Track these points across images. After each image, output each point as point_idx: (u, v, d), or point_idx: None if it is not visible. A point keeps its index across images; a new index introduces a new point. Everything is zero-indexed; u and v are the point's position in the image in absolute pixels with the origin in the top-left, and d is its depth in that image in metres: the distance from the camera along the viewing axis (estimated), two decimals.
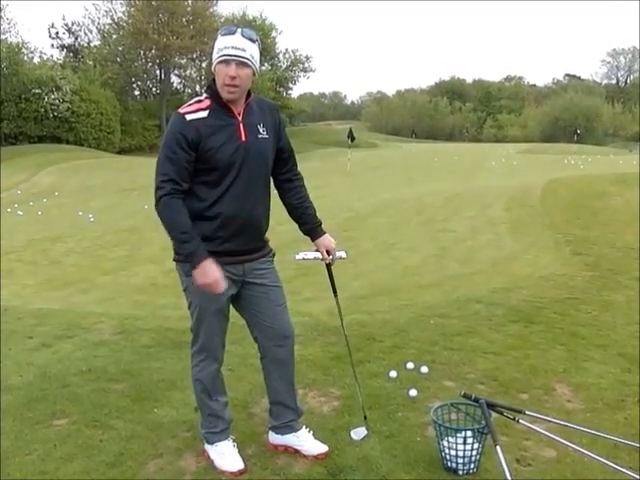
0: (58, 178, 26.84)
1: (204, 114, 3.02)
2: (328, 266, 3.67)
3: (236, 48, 2.95)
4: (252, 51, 3.01)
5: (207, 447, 3.39)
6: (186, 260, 3.03)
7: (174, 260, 3.22)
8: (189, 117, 3.00)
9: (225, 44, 2.95)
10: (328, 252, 3.56)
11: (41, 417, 3.88)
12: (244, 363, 4.58)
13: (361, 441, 3.50)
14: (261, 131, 3.17)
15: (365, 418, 3.67)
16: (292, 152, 3.41)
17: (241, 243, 3.16)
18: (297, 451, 3.44)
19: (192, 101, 3.10)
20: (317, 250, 3.55)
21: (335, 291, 3.69)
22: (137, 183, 24.09)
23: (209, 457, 3.36)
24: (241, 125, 3.10)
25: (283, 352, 3.43)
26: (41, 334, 5.57)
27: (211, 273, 2.98)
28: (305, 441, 3.45)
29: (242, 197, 3.11)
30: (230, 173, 3.06)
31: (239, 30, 2.99)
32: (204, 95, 3.11)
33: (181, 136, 2.96)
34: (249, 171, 3.11)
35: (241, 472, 3.23)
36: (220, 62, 2.97)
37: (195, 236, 2.98)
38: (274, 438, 3.50)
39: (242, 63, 2.96)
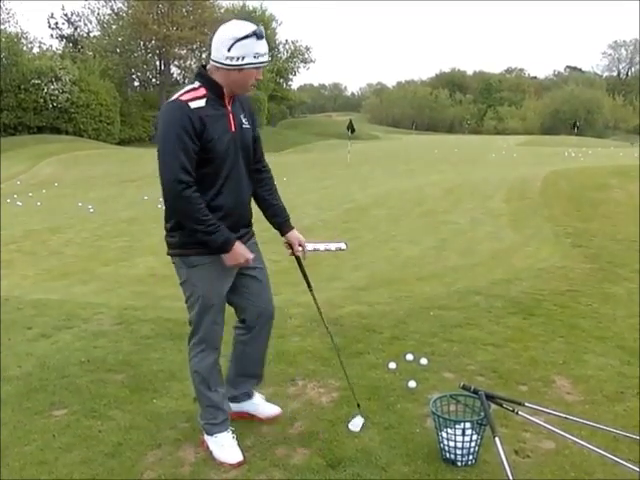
0: (58, 169, 26.81)
1: (202, 103, 2.98)
2: (299, 260, 3.65)
3: (266, 54, 3.04)
4: None
5: (207, 438, 3.39)
6: (220, 250, 3.06)
7: (170, 254, 3.23)
8: (192, 105, 2.94)
9: (260, 50, 2.98)
10: (300, 245, 3.55)
11: (40, 407, 3.88)
12: None
13: (360, 432, 3.50)
14: (244, 121, 3.21)
15: (358, 406, 3.68)
16: (261, 142, 3.42)
17: (237, 230, 3.20)
18: (252, 416, 3.64)
19: (187, 88, 3.04)
20: (287, 243, 3.55)
21: (309, 285, 3.70)
22: (137, 174, 24.08)
23: (208, 448, 3.35)
24: (230, 115, 3.12)
25: (266, 329, 3.53)
26: (40, 324, 5.57)
27: (243, 253, 3.12)
28: (260, 405, 3.67)
29: (238, 187, 3.17)
30: (226, 164, 3.08)
31: (262, 32, 3.00)
32: (197, 83, 3.04)
33: (189, 125, 2.90)
34: (240, 161, 3.16)
35: (240, 464, 3.23)
36: (256, 67, 3.01)
37: (220, 224, 3.01)
38: (233, 407, 3.58)
39: None
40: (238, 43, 2.92)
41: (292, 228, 3.53)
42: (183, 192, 2.91)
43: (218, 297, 3.24)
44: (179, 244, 3.15)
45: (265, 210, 3.49)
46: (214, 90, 3.03)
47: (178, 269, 3.25)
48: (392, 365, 4.37)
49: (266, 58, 3.03)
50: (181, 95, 2.99)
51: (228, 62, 2.95)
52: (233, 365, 3.60)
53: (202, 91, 3.01)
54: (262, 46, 2.99)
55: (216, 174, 3.06)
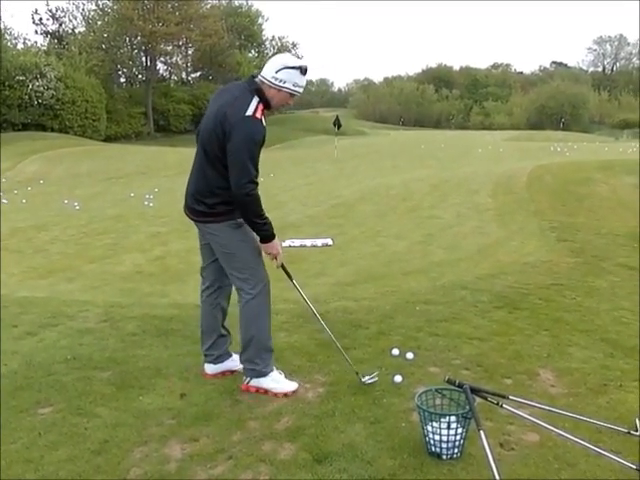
0: (43, 166, 26.62)
1: (264, 118, 3.72)
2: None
3: (302, 88, 3.84)
4: None
5: (259, 381, 3.96)
6: (267, 239, 3.80)
7: (217, 222, 3.83)
8: (263, 121, 3.69)
9: (299, 82, 3.77)
10: None
11: (26, 405, 3.87)
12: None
13: (346, 427, 3.52)
14: None
15: (357, 373, 4.07)
16: None
17: None
18: (233, 372, 4.22)
19: (255, 103, 3.67)
20: None
21: (289, 276, 4.14)
22: (123, 171, 23.98)
23: (259, 391, 3.95)
24: None
25: (230, 288, 4.19)
26: (26, 322, 5.54)
27: (278, 247, 3.90)
28: (238, 362, 4.18)
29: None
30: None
31: (307, 69, 3.77)
32: (257, 99, 3.70)
33: (261, 140, 3.65)
34: None
35: (294, 391, 3.96)
36: (291, 93, 3.78)
37: (269, 219, 3.77)
38: (213, 369, 4.21)
39: None
40: (285, 70, 3.69)
41: None
42: (253, 191, 3.61)
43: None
44: (225, 212, 3.79)
45: None
46: (267, 106, 3.76)
47: (222, 234, 3.85)
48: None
49: (301, 91, 3.81)
50: (255, 112, 3.64)
51: (273, 80, 3.69)
52: (210, 328, 4.18)
53: (262, 106, 3.71)
54: (302, 80, 3.78)
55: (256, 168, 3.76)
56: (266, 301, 3.96)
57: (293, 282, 4.08)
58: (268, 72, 3.70)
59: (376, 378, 4.06)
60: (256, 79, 3.77)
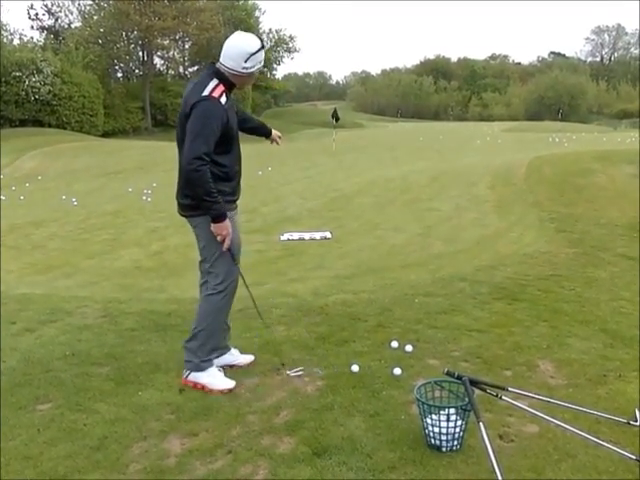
0: (41, 162, 26.53)
1: (225, 98, 3.77)
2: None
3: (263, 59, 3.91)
4: None
5: (197, 375, 3.99)
6: (216, 219, 3.76)
7: (195, 215, 3.88)
8: (222, 101, 3.74)
9: (263, 58, 3.86)
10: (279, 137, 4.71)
11: (24, 402, 3.86)
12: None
13: (345, 420, 3.51)
14: (233, 108, 4.00)
15: (283, 365, 4.23)
16: (241, 108, 4.36)
17: (238, 195, 4.10)
18: (232, 366, 4.26)
19: (213, 85, 3.74)
20: (272, 139, 4.66)
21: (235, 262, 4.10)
22: (121, 166, 23.92)
23: (196, 385, 3.96)
24: (233, 104, 3.96)
25: (233, 285, 4.13)
26: (24, 319, 5.53)
27: (228, 228, 3.82)
28: (237, 356, 4.33)
29: (239, 159, 4.07)
30: (235, 142, 3.94)
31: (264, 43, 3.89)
32: (216, 80, 3.78)
33: (220, 120, 3.69)
34: (238, 138, 4.01)
35: (233, 389, 3.95)
36: (257, 70, 3.87)
37: (221, 199, 3.74)
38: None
39: None
40: (252, 57, 3.77)
41: (271, 131, 4.62)
42: (200, 167, 3.61)
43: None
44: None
45: (253, 131, 4.50)
46: (229, 87, 3.84)
47: (201, 226, 3.89)
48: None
49: (263, 62, 3.92)
50: (212, 92, 3.71)
51: (244, 71, 3.80)
52: None
53: (222, 87, 3.78)
54: (263, 55, 3.86)
55: (229, 150, 3.89)
56: (229, 300, 4.05)
57: (237, 266, 4.03)
58: (236, 64, 3.77)
59: (300, 373, 4.12)
60: (217, 65, 3.85)
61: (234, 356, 4.32)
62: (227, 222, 3.81)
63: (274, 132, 4.64)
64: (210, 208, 3.72)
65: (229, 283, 3.98)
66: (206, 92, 3.71)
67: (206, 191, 3.66)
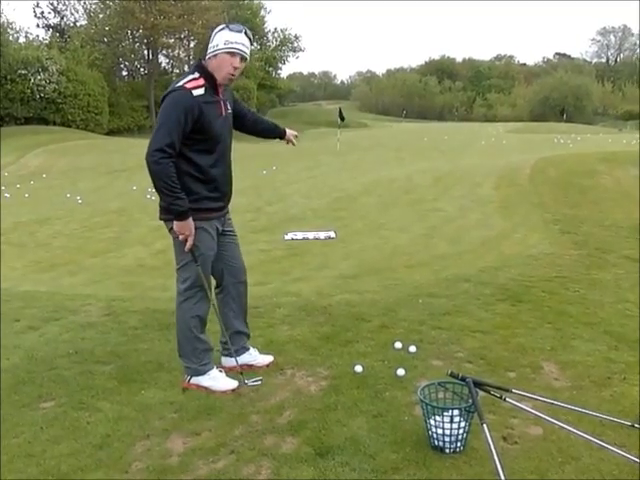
0: (46, 160, 26.59)
1: (202, 91, 3.61)
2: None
3: (243, 45, 3.66)
4: (249, 50, 3.73)
5: (198, 379, 3.94)
6: (177, 217, 3.64)
7: (163, 219, 3.80)
8: (195, 93, 3.57)
9: (235, 39, 3.62)
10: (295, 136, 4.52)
11: (28, 400, 3.87)
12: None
13: (348, 420, 3.51)
14: (229, 107, 3.87)
15: (241, 374, 4.08)
16: (244, 105, 4.26)
17: (224, 200, 3.94)
18: (251, 366, 4.22)
19: (189, 78, 3.63)
20: (287, 140, 4.47)
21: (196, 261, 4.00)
22: (126, 164, 23.92)
23: (199, 387, 3.92)
24: (221, 102, 3.77)
25: (243, 287, 4.20)
26: (28, 317, 5.55)
27: (191, 228, 3.70)
28: (256, 356, 4.29)
29: (226, 163, 3.88)
30: (220, 143, 3.76)
31: (244, 30, 3.66)
32: (196, 74, 3.65)
33: (189, 109, 3.53)
34: (227, 140, 3.86)
35: (236, 388, 3.92)
36: (227, 52, 3.62)
37: (184, 196, 3.60)
38: (230, 361, 4.18)
39: (244, 59, 3.70)
40: (215, 35, 3.65)
41: (285, 131, 4.44)
42: (162, 160, 3.48)
43: (213, 252, 3.95)
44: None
45: (269, 133, 4.42)
46: (210, 80, 3.66)
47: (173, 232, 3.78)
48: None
49: (238, 47, 3.63)
50: (185, 83, 3.59)
51: (210, 51, 3.66)
52: (223, 324, 4.15)
53: (201, 81, 3.63)
54: (238, 37, 3.63)
55: (211, 151, 3.72)
56: (194, 307, 3.93)
57: (197, 265, 3.89)
58: (209, 49, 3.72)
59: (259, 382, 4.04)
60: (203, 62, 3.76)
61: (252, 356, 4.29)
62: (189, 222, 3.67)
63: (289, 132, 4.47)
64: (171, 203, 3.59)
65: (196, 290, 3.90)
66: (179, 83, 3.63)
67: (166, 185, 3.52)
